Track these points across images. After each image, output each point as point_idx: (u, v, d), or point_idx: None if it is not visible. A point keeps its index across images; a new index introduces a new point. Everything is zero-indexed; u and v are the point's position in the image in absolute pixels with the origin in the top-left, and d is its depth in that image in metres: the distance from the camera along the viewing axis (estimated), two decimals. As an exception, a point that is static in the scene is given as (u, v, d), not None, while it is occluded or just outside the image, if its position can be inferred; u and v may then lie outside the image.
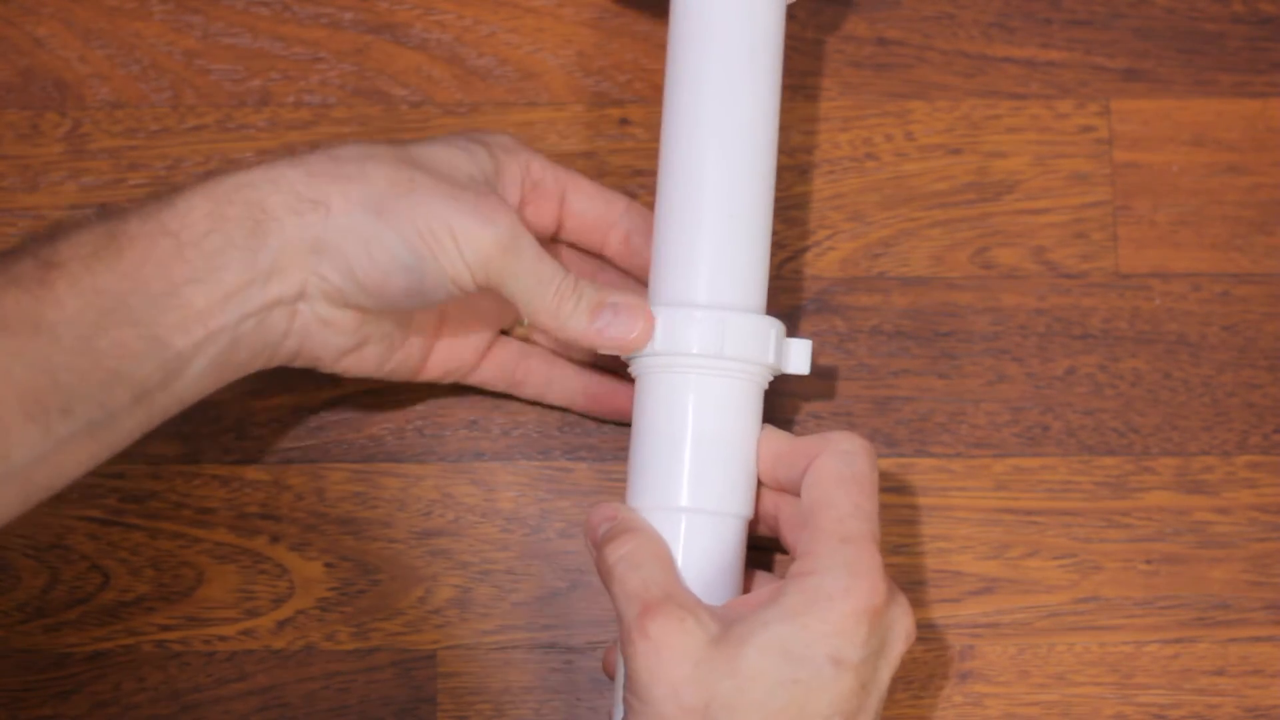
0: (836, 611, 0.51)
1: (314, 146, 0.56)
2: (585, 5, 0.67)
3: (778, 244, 0.65)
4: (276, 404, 0.63)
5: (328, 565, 0.62)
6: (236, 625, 0.62)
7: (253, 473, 0.63)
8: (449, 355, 0.60)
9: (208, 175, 0.53)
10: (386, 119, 0.66)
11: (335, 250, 0.53)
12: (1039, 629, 0.62)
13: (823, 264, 0.65)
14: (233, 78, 0.66)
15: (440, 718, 0.62)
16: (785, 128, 0.66)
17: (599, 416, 0.63)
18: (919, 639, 0.62)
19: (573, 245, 0.62)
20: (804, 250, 0.65)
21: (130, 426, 0.52)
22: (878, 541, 0.53)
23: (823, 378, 0.64)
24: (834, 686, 0.51)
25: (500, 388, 0.62)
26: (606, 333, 0.55)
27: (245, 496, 0.63)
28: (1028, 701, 0.62)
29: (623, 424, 0.62)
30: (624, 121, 0.66)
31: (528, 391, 0.62)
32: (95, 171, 0.65)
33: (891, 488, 0.63)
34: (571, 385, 0.62)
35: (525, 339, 0.62)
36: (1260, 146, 0.66)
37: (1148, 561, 0.63)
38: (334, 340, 0.56)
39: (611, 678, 0.59)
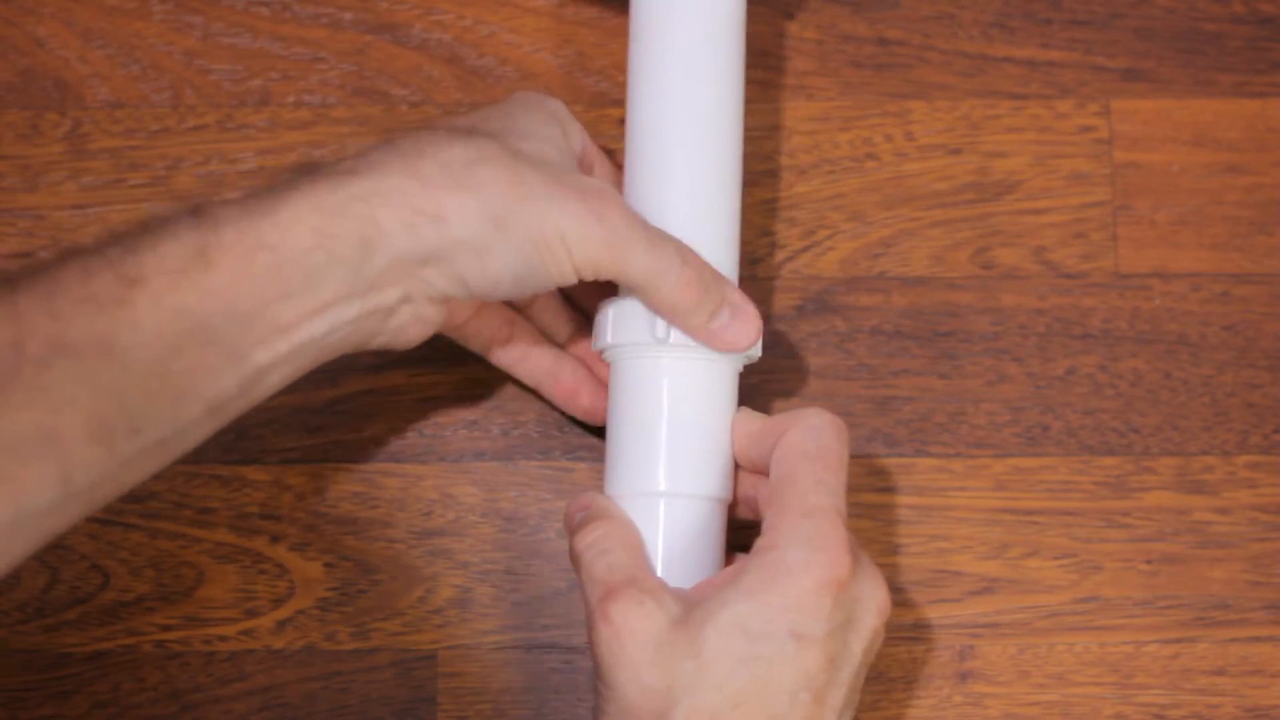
0: (796, 586, 0.51)
1: (418, 143, 0.53)
2: (585, 5, 0.67)
3: (778, 244, 0.65)
4: (276, 404, 0.63)
5: (328, 565, 0.62)
6: (236, 625, 0.62)
7: (253, 473, 0.63)
8: (452, 310, 0.59)
9: (313, 178, 0.51)
10: (386, 119, 0.66)
11: (447, 261, 0.52)
12: (1039, 629, 0.62)
13: (823, 264, 0.65)
14: (233, 78, 0.66)
15: (440, 718, 0.62)
16: (785, 128, 0.66)
17: (559, 407, 0.62)
18: (919, 639, 0.62)
19: None
20: (804, 250, 0.65)
21: (199, 435, 0.50)
22: (843, 515, 0.52)
23: (823, 377, 0.64)
24: (797, 662, 0.50)
25: (476, 348, 0.60)
26: (723, 335, 0.55)
27: (245, 496, 0.63)
28: (1028, 701, 0.62)
29: (582, 423, 0.62)
30: (624, 121, 0.66)
31: (500, 359, 0.61)
32: (95, 171, 0.65)
33: (891, 488, 0.63)
34: (543, 366, 0.61)
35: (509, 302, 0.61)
36: (1260, 146, 0.66)
37: (1148, 561, 0.63)
38: (423, 332, 0.55)
39: None
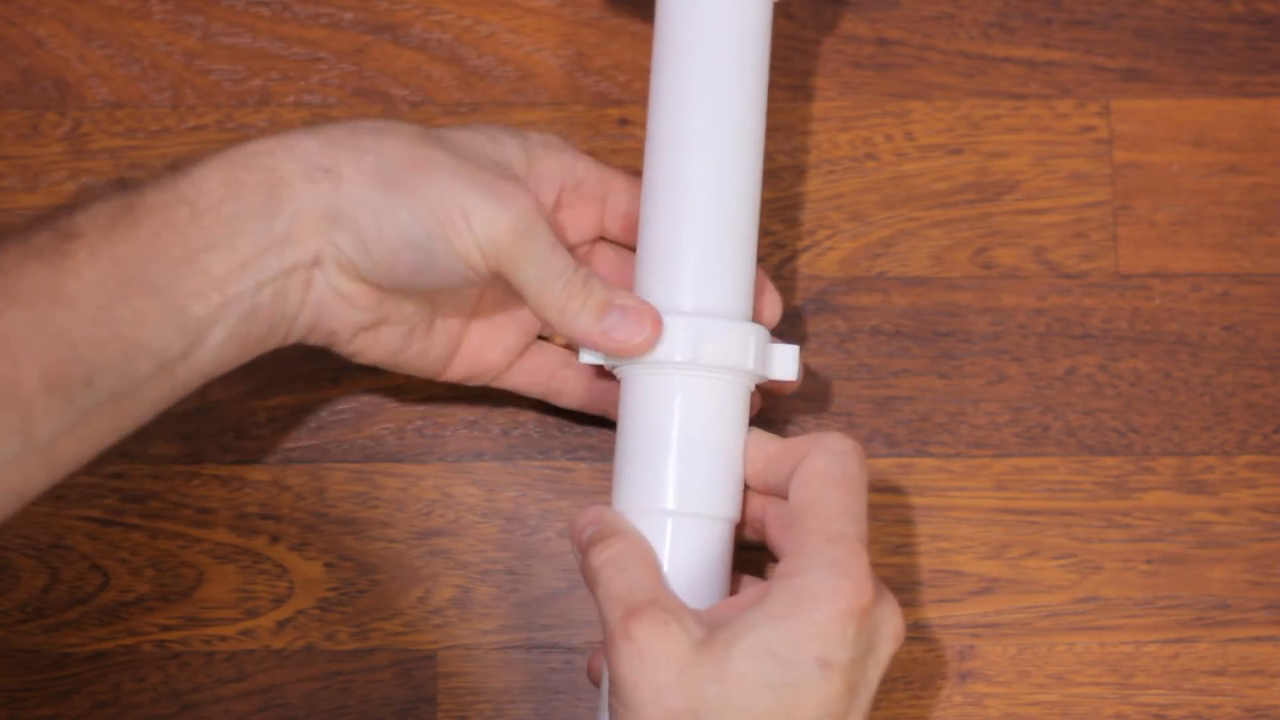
0: (823, 612, 0.50)
1: (333, 120, 0.55)
2: (585, 5, 0.67)
3: (777, 244, 0.65)
4: (276, 404, 0.63)
5: (328, 565, 0.62)
6: (236, 625, 0.62)
7: (253, 473, 0.63)
8: (476, 356, 0.60)
9: (224, 146, 0.53)
10: (386, 119, 0.66)
11: (349, 220, 0.53)
12: (1039, 629, 0.62)
13: (823, 264, 0.65)
14: (233, 78, 0.66)
15: (440, 718, 0.62)
16: (785, 128, 0.66)
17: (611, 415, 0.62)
18: (919, 639, 0.62)
19: (617, 243, 0.61)
20: (804, 250, 0.65)
21: (153, 397, 0.52)
22: (865, 542, 0.52)
23: (823, 377, 0.64)
24: (822, 689, 0.50)
25: (537, 394, 0.61)
26: (612, 335, 0.55)
27: (245, 496, 0.63)
28: (1028, 701, 0.62)
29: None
30: (624, 121, 0.66)
31: (565, 401, 0.61)
32: (95, 171, 0.65)
33: (891, 488, 0.63)
34: (613, 399, 0.60)
35: (567, 346, 0.62)
36: (1260, 146, 0.66)
37: (1148, 561, 0.63)
38: (350, 315, 0.55)
39: (596, 685, 0.59)
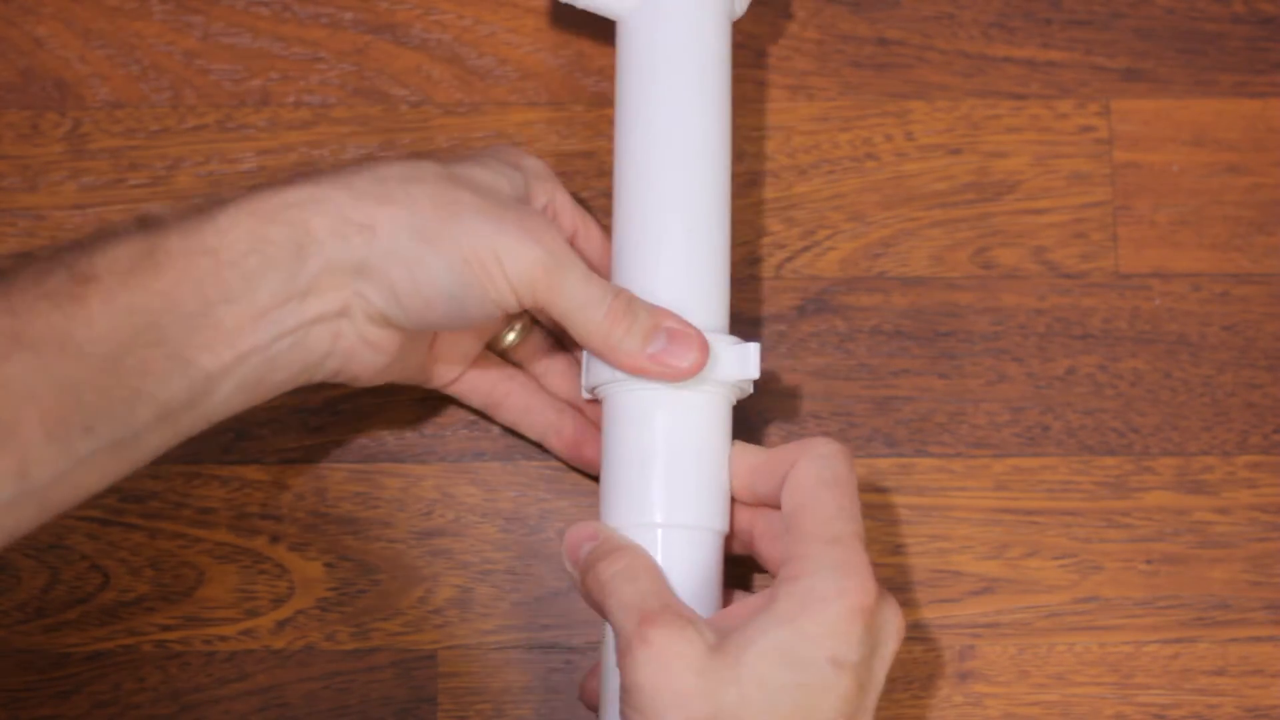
0: (832, 612, 0.50)
1: (359, 163, 0.54)
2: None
3: (778, 244, 0.65)
4: (276, 404, 0.63)
5: (328, 565, 0.62)
6: (236, 625, 0.62)
7: (253, 473, 0.63)
8: (442, 362, 0.60)
9: (252, 190, 0.52)
10: (386, 119, 0.66)
11: (379, 273, 0.52)
12: (1039, 629, 0.62)
13: (823, 264, 0.65)
14: (233, 78, 0.66)
15: (440, 718, 0.62)
16: (785, 128, 0.66)
17: (565, 460, 0.62)
18: (919, 639, 0.62)
19: None
20: (804, 250, 0.65)
21: (154, 444, 0.51)
22: (864, 541, 0.52)
23: (823, 378, 0.64)
24: (836, 688, 0.50)
25: (476, 404, 0.62)
26: (661, 359, 0.54)
27: (245, 496, 0.63)
28: (1028, 701, 0.62)
29: (588, 474, 0.62)
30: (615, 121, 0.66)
31: (504, 415, 0.62)
32: (95, 171, 0.65)
33: (891, 488, 0.63)
34: (546, 420, 0.61)
35: (505, 355, 0.62)
36: (1260, 146, 0.66)
37: (1148, 561, 0.63)
38: (376, 360, 0.55)
39: (592, 708, 0.59)
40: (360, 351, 0.54)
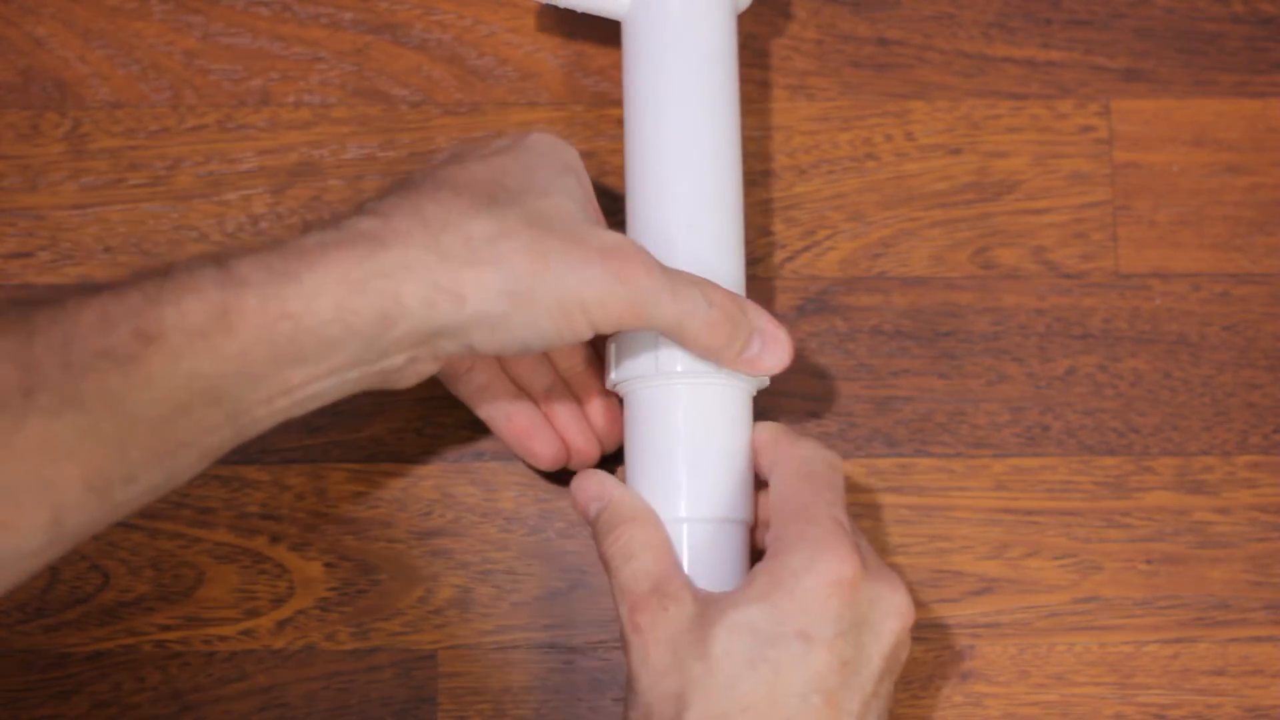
0: (802, 587, 0.51)
1: (444, 212, 0.51)
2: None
3: (778, 244, 0.65)
4: (276, 404, 0.63)
5: (328, 565, 0.62)
6: (236, 625, 0.62)
7: (253, 473, 0.63)
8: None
9: (340, 242, 0.50)
10: (386, 119, 0.66)
11: (460, 334, 0.51)
12: (1039, 629, 0.62)
13: (823, 264, 0.65)
14: (233, 78, 0.66)
15: (440, 718, 0.62)
16: (785, 128, 0.66)
17: (510, 448, 0.61)
18: (919, 639, 0.62)
19: None
20: (804, 250, 0.65)
21: (186, 479, 0.50)
22: (845, 526, 0.53)
23: (823, 377, 0.64)
24: (805, 663, 0.50)
25: (437, 373, 0.59)
26: (757, 365, 0.55)
27: (245, 496, 0.63)
28: (1028, 701, 0.62)
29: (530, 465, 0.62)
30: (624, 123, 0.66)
31: (460, 389, 0.60)
32: (95, 171, 0.65)
33: (891, 488, 0.63)
34: (499, 404, 0.60)
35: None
36: (1260, 146, 0.66)
37: (1148, 561, 0.63)
38: (416, 380, 0.54)
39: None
40: (408, 378, 0.54)
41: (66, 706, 0.61)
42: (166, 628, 0.62)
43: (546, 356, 0.61)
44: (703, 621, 0.51)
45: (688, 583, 0.53)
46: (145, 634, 0.62)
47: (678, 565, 0.54)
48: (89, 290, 0.48)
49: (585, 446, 0.61)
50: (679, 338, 0.54)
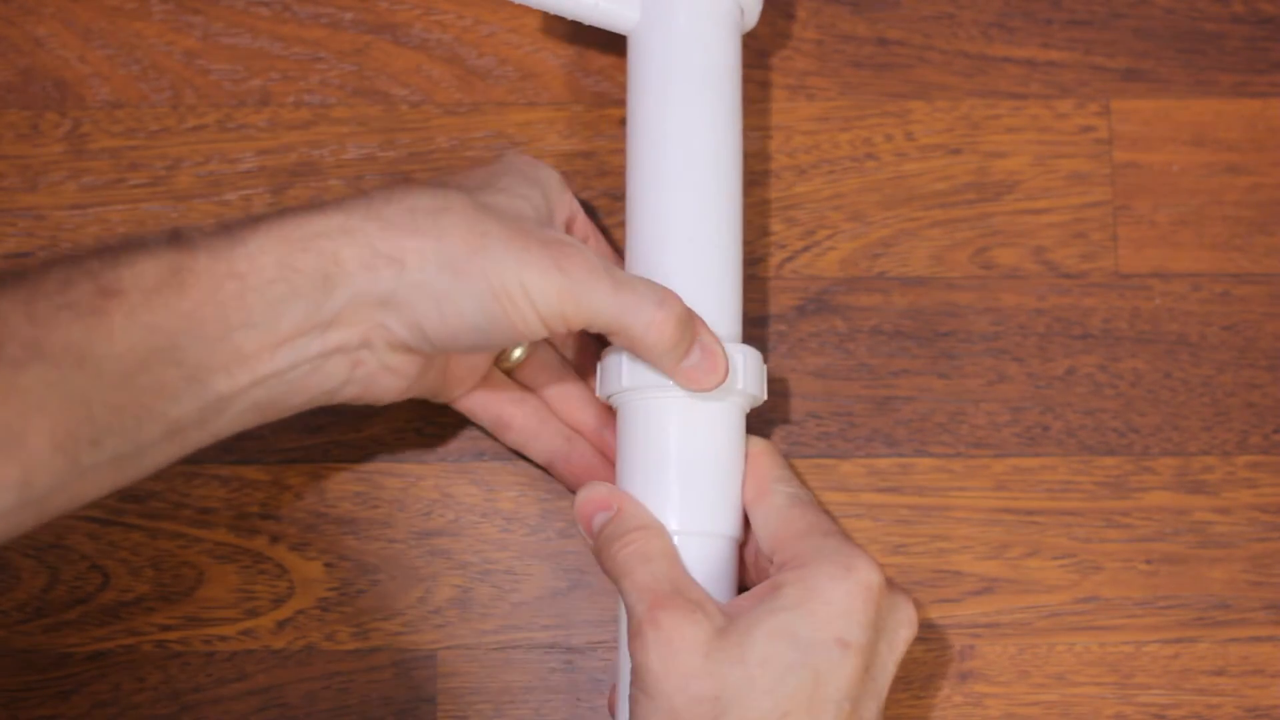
0: (839, 591, 0.51)
1: (388, 191, 0.54)
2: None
3: (778, 244, 0.65)
4: (276, 404, 0.63)
5: (328, 565, 0.63)
6: (236, 625, 0.62)
7: (253, 473, 0.63)
8: (454, 377, 0.60)
9: (284, 213, 0.52)
10: (386, 119, 0.66)
11: (405, 306, 0.52)
12: (1039, 629, 0.62)
13: (823, 264, 0.65)
14: (233, 78, 0.66)
15: (440, 718, 0.62)
16: (785, 128, 0.66)
17: (571, 488, 0.62)
18: (919, 639, 0.62)
19: None
20: (804, 250, 0.65)
21: (158, 458, 0.51)
22: (852, 539, 0.54)
23: (823, 377, 0.64)
24: (842, 669, 0.51)
25: (484, 423, 0.61)
26: (690, 375, 0.55)
27: (245, 496, 0.63)
28: (1028, 701, 0.62)
29: None
30: (624, 122, 0.66)
31: (511, 438, 0.61)
32: (95, 171, 0.65)
33: (891, 488, 0.63)
34: (554, 447, 0.61)
35: (511, 374, 0.62)
36: (1260, 146, 0.66)
37: (1148, 561, 0.63)
38: (395, 384, 0.55)
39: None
40: (380, 377, 0.54)
41: (66, 706, 0.61)
42: (166, 628, 0.62)
43: (589, 392, 0.61)
44: (737, 628, 0.51)
45: (708, 593, 0.53)
46: (145, 634, 0.62)
47: (691, 577, 0.54)
48: (49, 259, 0.50)
49: None
50: (623, 337, 0.54)
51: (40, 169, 0.65)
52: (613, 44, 0.66)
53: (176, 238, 0.51)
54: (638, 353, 0.55)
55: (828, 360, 0.64)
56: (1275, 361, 0.65)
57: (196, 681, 0.62)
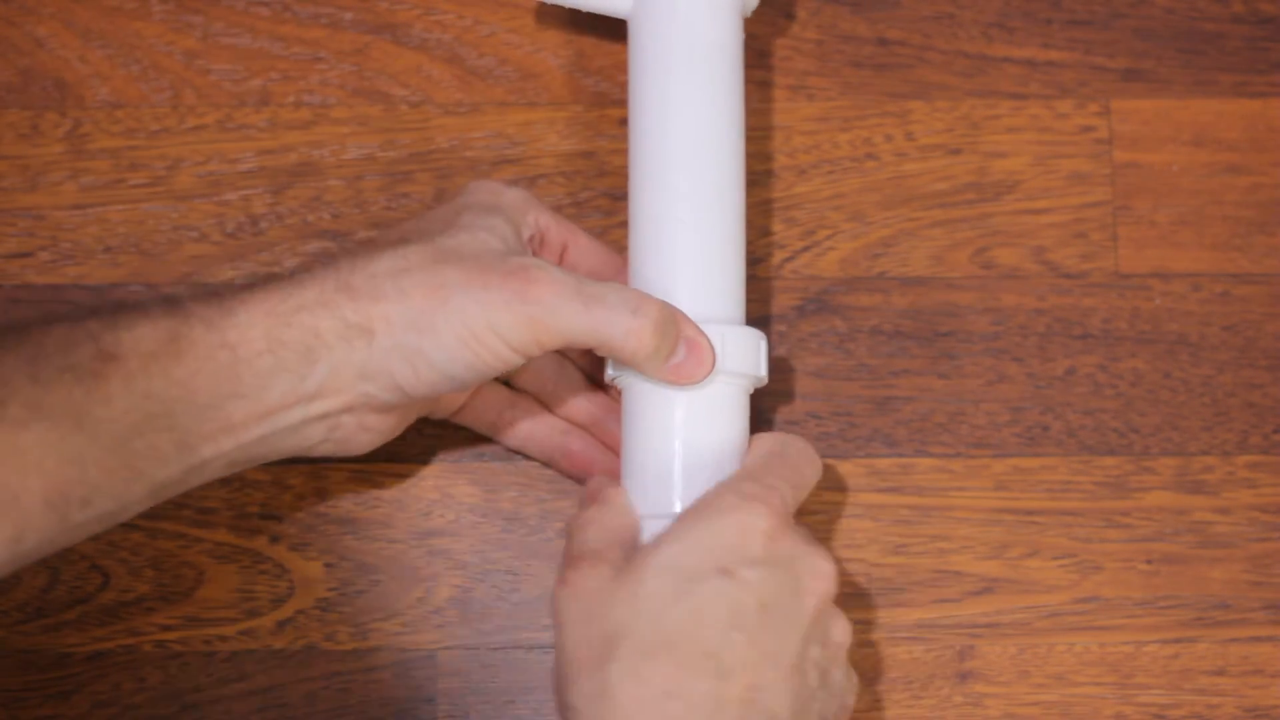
0: (721, 523, 0.52)
1: (353, 258, 0.54)
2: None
3: (778, 244, 0.65)
4: (276, 404, 0.63)
5: (328, 565, 0.62)
6: (236, 625, 0.62)
7: (253, 473, 0.63)
8: (446, 398, 0.60)
9: (268, 285, 0.53)
10: (386, 119, 0.66)
11: (382, 373, 0.53)
12: (1039, 629, 0.62)
13: (823, 264, 0.65)
14: (233, 78, 0.66)
15: (440, 718, 0.62)
16: (785, 128, 0.66)
17: (576, 479, 0.62)
18: (919, 639, 0.62)
19: None
20: (804, 250, 0.65)
21: (134, 513, 0.53)
22: (785, 500, 0.53)
23: (823, 377, 0.64)
24: (727, 596, 0.51)
25: (482, 430, 0.62)
26: (678, 372, 0.55)
27: (245, 496, 0.63)
28: (1028, 701, 0.62)
29: None
30: (624, 122, 0.66)
31: (509, 440, 0.62)
32: (95, 171, 0.65)
33: (891, 488, 0.63)
34: (553, 443, 0.62)
35: (509, 381, 0.62)
36: (1260, 146, 0.66)
37: (1148, 561, 0.63)
38: (370, 439, 0.56)
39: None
40: (356, 435, 0.56)
41: (66, 706, 0.61)
42: (166, 628, 0.62)
43: (586, 385, 0.62)
44: (630, 568, 0.52)
45: (629, 551, 0.54)
46: (145, 634, 0.62)
47: (625, 546, 0.54)
48: (48, 319, 0.51)
49: None
50: (604, 350, 0.55)
51: (40, 169, 0.65)
52: (612, 44, 0.66)
53: (172, 304, 0.52)
54: (622, 361, 0.55)
55: (828, 360, 0.64)
56: (1275, 361, 0.65)
57: (196, 681, 0.62)
